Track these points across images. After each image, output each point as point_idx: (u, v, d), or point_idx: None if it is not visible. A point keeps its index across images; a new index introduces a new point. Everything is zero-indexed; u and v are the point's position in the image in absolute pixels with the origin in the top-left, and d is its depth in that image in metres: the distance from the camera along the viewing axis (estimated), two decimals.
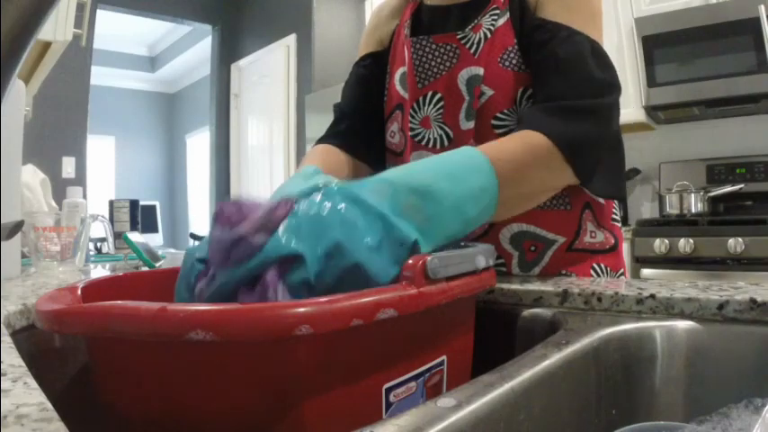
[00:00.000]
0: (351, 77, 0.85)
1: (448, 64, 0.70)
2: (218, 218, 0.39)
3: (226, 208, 0.39)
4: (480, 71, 0.67)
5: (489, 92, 0.67)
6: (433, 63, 0.71)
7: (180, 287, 0.43)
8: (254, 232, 0.37)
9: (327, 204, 0.39)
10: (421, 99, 0.73)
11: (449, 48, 0.70)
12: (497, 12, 0.68)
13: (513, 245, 0.69)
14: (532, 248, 0.69)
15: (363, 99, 0.82)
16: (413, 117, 0.73)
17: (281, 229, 0.38)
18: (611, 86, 0.63)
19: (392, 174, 0.46)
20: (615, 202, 0.77)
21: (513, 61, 0.66)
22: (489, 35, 0.68)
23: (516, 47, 0.67)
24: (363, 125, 0.81)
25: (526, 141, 0.57)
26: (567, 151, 0.58)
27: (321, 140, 0.82)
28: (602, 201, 0.73)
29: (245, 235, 0.37)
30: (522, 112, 0.65)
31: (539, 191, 0.62)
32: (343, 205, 0.39)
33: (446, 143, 0.71)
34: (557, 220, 0.69)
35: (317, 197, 0.40)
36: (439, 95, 0.71)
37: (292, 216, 0.38)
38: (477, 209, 0.48)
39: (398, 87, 0.76)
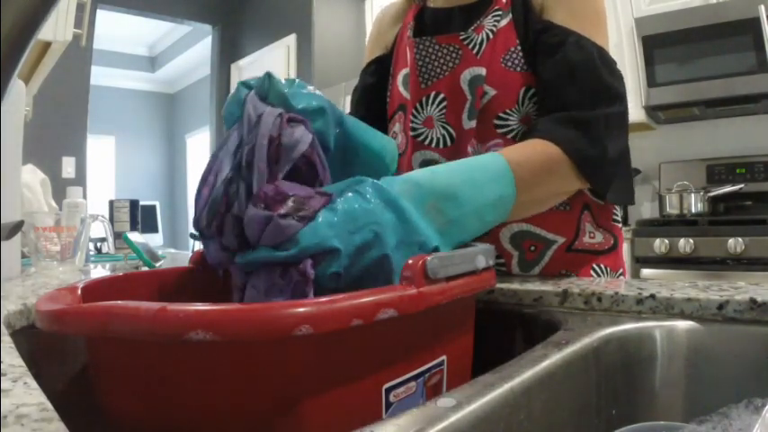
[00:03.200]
0: (358, 85, 0.86)
1: (451, 64, 0.71)
2: (254, 199, 0.40)
3: (263, 189, 0.40)
4: (483, 71, 0.67)
5: (492, 92, 0.67)
6: (436, 63, 0.72)
7: (231, 108, 0.45)
8: (287, 216, 0.38)
9: (363, 202, 0.40)
10: (424, 99, 0.73)
11: (451, 48, 0.70)
12: (500, 13, 0.68)
13: (513, 245, 0.69)
14: (532, 248, 0.69)
15: (371, 107, 0.83)
16: (415, 117, 0.73)
17: (319, 220, 0.38)
18: (622, 95, 0.64)
19: (418, 175, 0.46)
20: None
21: (516, 61, 0.67)
22: (492, 36, 0.68)
23: (519, 47, 0.67)
24: None
25: (543, 151, 0.59)
26: (583, 167, 0.60)
27: None
28: (601, 201, 0.73)
29: (278, 217, 0.38)
30: (536, 120, 0.65)
31: (552, 196, 0.64)
32: (377, 203, 0.40)
33: (449, 142, 0.71)
34: (556, 220, 0.69)
35: (354, 194, 0.41)
36: (442, 95, 0.71)
37: (330, 210, 0.39)
38: (494, 214, 0.50)
39: (401, 88, 0.76)
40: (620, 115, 0.64)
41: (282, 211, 0.38)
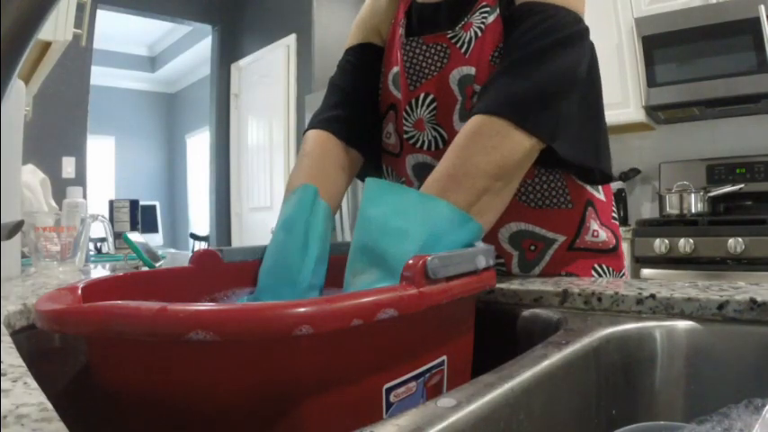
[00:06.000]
0: (349, 61, 0.80)
1: (439, 64, 0.69)
2: None
3: None
4: (472, 71, 0.66)
5: None
6: (424, 64, 0.70)
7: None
8: None
9: None
10: (413, 101, 0.71)
11: (439, 48, 0.69)
12: (487, 9, 0.67)
13: (513, 244, 0.69)
14: (532, 248, 0.69)
15: (363, 85, 0.78)
16: (406, 120, 0.72)
17: None
18: (571, 38, 0.59)
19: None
20: (614, 200, 0.77)
21: None
22: (480, 33, 0.66)
23: None
24: (362, 113, 0.77)
25: (455, 144, 0.55)
26: (510, 113, 0.54)
27: (319, 122, 0.76)
28: (603, 198, 0.73)
29: None
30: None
31: (500, 174, 0.54)
32: None
33: (441, 144, 0.70)
34: (557, 219, 0.69)
35: None
36: (431, 97, 0.70)
37: None
38: (414, 219, 0.48)
39: (392, 87, 0.75)
40: (571, 37, 0.58)
41: None
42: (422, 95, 0.71)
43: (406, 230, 0.47)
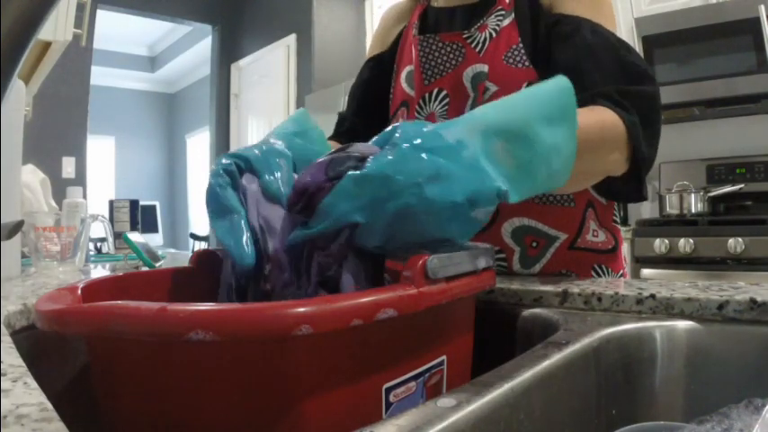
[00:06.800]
0: (356, 80, 0.88)
1: (454, 62, 0.71)
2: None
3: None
4: (485, 68, 0.68)
5: (494, 87, 0.67)
6: (440, 61, 0.73)
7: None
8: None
9: (397, 162, 0.35)
10: (426, 96, 0.74)
11: (455, 46, 0.71)
12: (503, 13, 0.69)
13: (515, 239, 0.70)
14: (534, 244, 0.70)
15: (364, 101, 0.85)
16: (418, 113, 0.75)
17: (336, 191, 0.36)
18: (651, 74, 0.61)
19: (484, 112, 0.40)
20: (615, 202, 0.77)
21: (518, 58, 0.67)
22: (494, 34, 0.69)
23: (521, 45, 0.67)
24: (363, 126, 0.84)
25: (601, 117, 0.55)
26: (632, 133, 0.55)
27: (329, 137, 0.86)
28: (603, 201, 0.73)
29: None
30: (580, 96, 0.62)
31: (597, 169, 0.57)
32: (418, 158, 0.35)
33: None
34: (559, 216, 0.69)
35: (387, 150, 0.36)
36: (444, 92, 0.72)
37: (351, 178, 0.35)
38: (559, 162, 0.41)
39: (404, 85, 0.77)
40: (655, 94, 0.60)
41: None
42: (435, 90, 0.73)
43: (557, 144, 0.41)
